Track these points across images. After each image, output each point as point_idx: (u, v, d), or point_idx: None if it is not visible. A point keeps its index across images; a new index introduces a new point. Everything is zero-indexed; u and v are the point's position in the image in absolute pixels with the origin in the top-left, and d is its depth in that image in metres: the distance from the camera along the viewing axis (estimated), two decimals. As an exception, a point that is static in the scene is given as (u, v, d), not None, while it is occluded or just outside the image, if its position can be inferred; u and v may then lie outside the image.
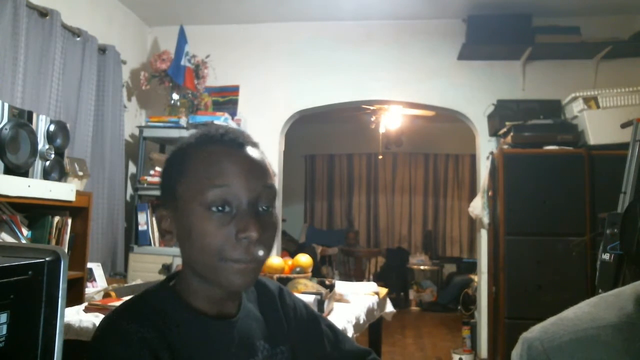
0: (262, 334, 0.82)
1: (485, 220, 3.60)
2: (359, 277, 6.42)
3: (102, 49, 3.40)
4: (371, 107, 5.48)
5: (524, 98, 3.80)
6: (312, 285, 2.01)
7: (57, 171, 2.37)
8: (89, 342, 0.70)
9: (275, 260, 2.21)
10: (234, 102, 3.95)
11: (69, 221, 2.49)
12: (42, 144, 2.29)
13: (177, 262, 3.18)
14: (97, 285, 2.86)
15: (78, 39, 3.15)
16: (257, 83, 4.05)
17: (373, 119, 6.00)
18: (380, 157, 7.31)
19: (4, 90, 2.53)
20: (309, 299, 1.74)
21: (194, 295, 0.75)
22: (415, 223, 7.51)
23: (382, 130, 6.13)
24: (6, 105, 2.11)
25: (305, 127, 5.86)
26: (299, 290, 1.95)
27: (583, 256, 3.17)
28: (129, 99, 3.92)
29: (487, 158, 3.69)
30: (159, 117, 3.65)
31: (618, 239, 2.24)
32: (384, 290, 2.53)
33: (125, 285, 2.71)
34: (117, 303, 1.86)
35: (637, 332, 0.57)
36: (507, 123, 3.53)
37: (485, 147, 3.89)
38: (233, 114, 3.83)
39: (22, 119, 2.18)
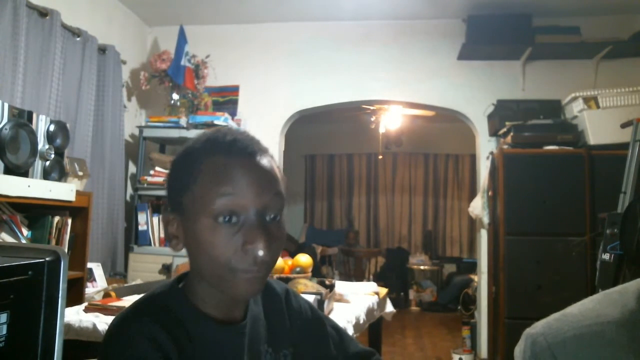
0: (266, 338, 0.83)
1: (485, 220, 3.60)
2: (359, 277, 6.41)
3: (102, 49, 3.40)
4: (371, 107, 5.48)
5: (524, 98, 3.80)
6: (312, 285, 2.00)
7: (57, 171, 2.37)
8: (100, 343, 0.70)
9: (275, 260, 2.21)
10: (234, 102, 3.95)
11: (69, 221, 2.49)
12: (42, 144, 2.29)
13: (177, 262, 3.18)
14: (97, 285, 2.87)
15: (78, 39, 3.15)
16: (257, 83, 4.05)
17: (373, 119, 6.00)
18: (380, 157, 7.31)
19: (4, 90, 2.53)
20: (309, 299, 1.74)
21: (202, 299, 0.76)
22: (415, 223, 7.51)
23: (382, 130, 6.12)
24: (6, 105, 2.11)
25: (305, 127, 5.87)
26: (298, 290, 1.95)
27: (583, 256, 3.17)
28: (129, 99, 3.92)
29: (487, 158, 3.69)
30: (159, 117, 3.65)
31: (618, 239, 2.24)
32: (383, 290, 2.53)
33: (125, 285, 2.72)
34: (117, 303, 1.87)
35: None
36: (507, 123, 3.53)
37: (485, 147, 3.89)
38: (233, 114, 3.84)
39: (22, 119, 2.18)
